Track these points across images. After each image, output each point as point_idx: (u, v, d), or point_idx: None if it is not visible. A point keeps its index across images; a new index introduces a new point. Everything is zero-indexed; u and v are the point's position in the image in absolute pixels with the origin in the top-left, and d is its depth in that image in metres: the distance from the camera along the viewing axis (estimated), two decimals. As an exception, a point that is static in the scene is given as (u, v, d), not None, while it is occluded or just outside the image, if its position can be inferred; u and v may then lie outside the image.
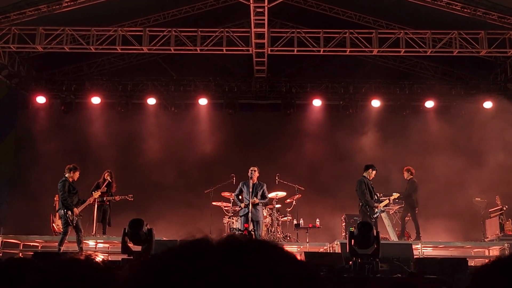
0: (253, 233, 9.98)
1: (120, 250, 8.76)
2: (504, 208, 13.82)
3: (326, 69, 17.49)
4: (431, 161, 15.71)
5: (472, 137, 15.68)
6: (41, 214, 14.40)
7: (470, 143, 15.61)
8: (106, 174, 13.42)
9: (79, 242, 11.43)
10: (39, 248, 13.45)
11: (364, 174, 12.13)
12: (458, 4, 14.00)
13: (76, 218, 11.38)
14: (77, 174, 11.69)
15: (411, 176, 13.73)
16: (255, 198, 11.44)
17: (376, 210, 11.74)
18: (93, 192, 12.82)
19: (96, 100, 16.95)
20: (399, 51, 14.80)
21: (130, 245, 8.80)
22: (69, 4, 14.13)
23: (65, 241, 11.39)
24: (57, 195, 12.78)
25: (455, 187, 15.41)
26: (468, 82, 16.72)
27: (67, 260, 1.69)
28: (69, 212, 11.25)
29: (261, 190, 11.66)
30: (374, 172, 12.16)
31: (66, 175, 11.59)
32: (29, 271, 1.96)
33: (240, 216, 11.66)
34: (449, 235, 14.28)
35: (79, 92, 17.28)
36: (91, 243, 12.95)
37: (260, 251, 1.06)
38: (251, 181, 11.62)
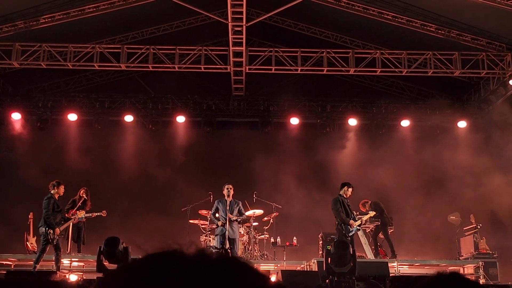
0: (229, 251, 9.94)
1: (96, 268, 8.68)
2: (479, 227, 13.99)
3: (303, 88, 17.65)
4: (407, 179, 15.86)
5: (447, 156, 15.90)
6: (14, 232, 14.17)
7: (445, 162, 15.83)
8: (82, 192, 13.28)
9: (57, 261, 11.21)
10: (12, 266, 13.20)
11: (340, 192, 12.14)
12: (433, 25, 14.28)
13: (57, 237, 11.16)
14: (62, 189, 11.49)
15: (366, 208, 13.71)
16: (230, 215, 11.39)
17: (351, 228, 11.74)
18: (77, 211, 12.66)
19: (72, 116, 16.83)
20: (375, 71, 15.00)
21: (106, 263, 8.72)
22: (46, 20, 14.07)
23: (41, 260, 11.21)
24: (31, 213, 12.63)
25: (430, 205, 15.60)
26: (443, 102, 16.97)
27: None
28: (51, 231, 11.03)
29: (237, 208, 11.64)
30: (350, 189, 12.14)
31: (52, 192, 11.34)
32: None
33: (216, 235, 11.57)
34: (425, 253, 14.39)
35: (56, 108, 17.13)
36: (65, 261, 12.73)
37: (227, 267, 1.08)
38: (228, 199, 11.60)
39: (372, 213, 12.96)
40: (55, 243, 11.09)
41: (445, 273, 1.62)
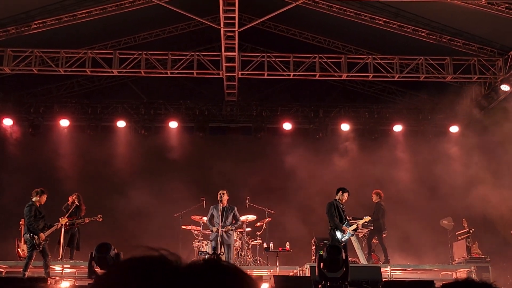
0: (221, 256, 9.92)
1: (87, 275, 8.63)
2: (471, 231, 14.02)
3: (296, 93, 17.67)
4: (399, 184, 15.90)
5: (439, 161, 15.96)
6: (5, 239, 14.07)
7: (437, 167, 15.88)
8: (74, 197, 13.23)
9: (46, 267, 11.22)
10: (3, 273, 13.11)
11: (336, 197, 12.17)
12: (424, 30, 14.34)
13: (43, 243, 11.20)
14: (44, 198, 11.54)
15: (379, 199, 13.90)
16: (227, 227, 11.33)
17: (344, 234, 11.71)
18: (60, 218, 12.62)
19: (64, 122, 16.76)
20: (368, 76, 15.04)
21: (97, 269, 8.66)
22: (38, 26, 14.03)
23: (30, 266, 11.16)
24: (23, 219, 12.56)
25: (422, 210, 15.63)
26: (435, 107, 17.03)
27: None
28: (36, 237, 11.06)
29: (232, 213, 11.60)
30: (345, 194, 12.15)
31: (33, 199, 11.44)
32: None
33: (211, 240, 11.52)
34: (417, 258, 14.40)
35: (48, 114, 17.07)
36: (57, 268, 12.67)
37: (216, 272, 1.07)
38: (221, 205, 11.56)
39: (367, 218, 12.93)
40: (41, 248, 11.12)
41: (462, 280, 1.59)
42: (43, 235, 11.23)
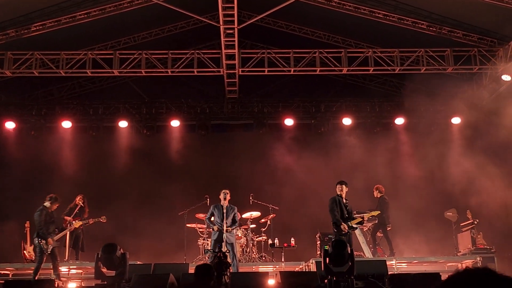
0: (227, 254, 9.92)
1: (94, 275, 8.66)
2: (475, 222, 14.02)
3: (297, 88, 17.66)
4: (402, 177, 15.91)
5: (442, 153, 15.95)
6: (11, 241, 14.13)
7: (440, 158, 15.87)
8: (78, 199, 13.29)
9: (55, 269, 11.30)
10: (10, 276, 13.16)
11: (337, 192, 12.02)
12: (424, 22, 14.32)
13: (51, 247, 11.26)
14: (55, 206, 11.64)
15: (381, 194, 13.89)
16: (228, 228, 11.25)
17: (344, 232, 11.43)
18: (73, 222, 12.70)
19: (67, 124, 16.79)
20: (368, 70, 15.02)
21: (104, 270, 8.70)
22: (37, 28, 14.05)
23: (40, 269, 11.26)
24: (28, 222, 12.64)
25: (426, 202, 15.64)
26: (436, 99, 16.99)
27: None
28: (43, 241, 11.12)
29: (233, 213, 11.49)
30: (343, 187, 11.83)
31: (45, 204, 11.48)
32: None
33: (213, 240, 11.41)
34: (422, 250, 14.41)
35: (50, 116, 17.09)
36: (63, 269, 12.72)
37: None
38: (225, 202, 11.46)
39: (375, 212, 12.78)
40: (49, 252, 11.18)
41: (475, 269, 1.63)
42: (51, 240, 11.28)
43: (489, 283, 1.53)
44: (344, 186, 11.89)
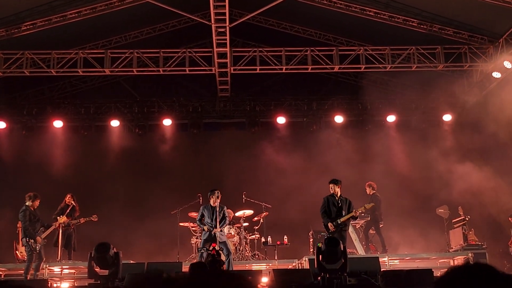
0: (221, 252, 9.92)
1: (87, 275, 8.64)
2: (467, 219, 14.11)
3: (289, 86, 17.69)
4: (394, 174, 15.97)
5: (434, 150, 16.03)
6: (3, 242, 14.08)
7: (432, 155, 15.95)
8: (67, 198, 13.24)
9: (37, 269, 11.34)
10: (2, 276, 13.11)
11: (330, 190, 11.75)
12: (415, 20, 14.38)
13: (39, 245, 11.28)
14: (37, 203, 11.60)
15: (374, 191, 13.92)
16: (219, 228, 11.19)
17: (330, 229, 11.25)
18: (58, 217, 12.64)
19: (58, 123, 16.73)
20: (360, 67, 15.06)
21: (97, 269, 8.68)
22: (28, 27, 13.98)
23: (31, 269, 11.23)
24: (19, 222, 12.58)
25: (418, 199, 15.71)
26: (428, 96, 17.08)
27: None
28: (32, 241, 11.15)
29: (222, 212, 11.41)
30: (334, 186, 11.53)
31: (27, 203, 11.49)
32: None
33: (204, 240, 11.32)
34: (414, 247, 14.48)
35: (41, 116, 17.03)
36: (56, 269, 12.68)
37: None
38: (217, 203, 11.32)
39: (369, 205, 12.40)
40: (38, 251, 11.20)
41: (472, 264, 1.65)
42: (39, 238, 11.33)
43: (488, 278, 1.56)
44: (334, 185, 11.57)
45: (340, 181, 11.76)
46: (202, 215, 11.46)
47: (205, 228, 11.25)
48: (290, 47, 14.94)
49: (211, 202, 11.35)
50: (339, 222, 11.33)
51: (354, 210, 11.46)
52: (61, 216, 12.74)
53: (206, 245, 10.79)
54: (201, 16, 14.72)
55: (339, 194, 11.54)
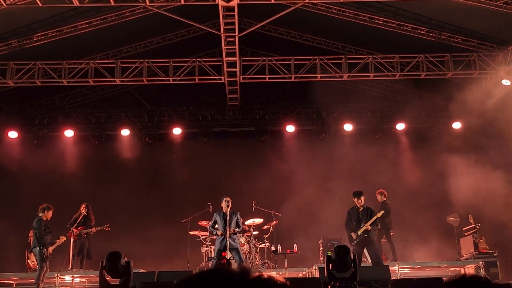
0: (231, 261, 9.96)
1: (98, 284, 8.70)
2: (478, 227, 14.04)
3: (298, 95, 17.72)
4: (404, 182, 15.93)
5: (443, 157, 15.97)
6: (15, 251, 14.17)
7: (441, 163, 15.90)
8: (82, 207, 13.34)
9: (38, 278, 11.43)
10: (14, 285, 13.20)
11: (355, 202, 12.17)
12: (424, 28, 14.40)
13: (50, 256, 11.41)
14: (50, 214, 11.73)
15: (384, 199, 13.91)
16: (233, 228, 11.30)
17: (355, 239, 11.76)
18: (60, 236, 12.71)
19: (69, 133, 16.86)
20: (369, 76, 15.09)
21: (108, 278, 8.74)
22: (39, 38, 14.14)
23: (43, 277, 11.31)
24: (31, 231, 12.67)
25: (428, 207, 15.65)
26: (437, 104, 17.06)
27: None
28: (45, 249, 11.26)
29: (236, 218, 11.53)
30: (356, 199, 12.05)
31: (40, 214, 11.60)
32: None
33: (216, 249, 11.37)
34: (425, 256, 14.43)
35: (52, 125, 17.17)
36: (67, 278, 12.76)
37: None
38: (228, 209, 11.48)
39: (379, 214, 12.60)
40: (47, 261, 11.32)
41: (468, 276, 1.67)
42: (50, 249, 11.46)
43: None
44: (356, 198, 12.09)
45: (360, 192, 12.25)
46: (215, 222, 11.58)
47: (219, 232, 11.33)
48: (299, 56, 15.00)
49: (223, 208, 11.49)
50: (358, 233, 11.80)
51: (375, 214, 11.96)
52: (72, 225, 12.86)
53: (219, 253, 10.86)
54: (210, 25, 14.81)
55: (361, 205, 11.91)
